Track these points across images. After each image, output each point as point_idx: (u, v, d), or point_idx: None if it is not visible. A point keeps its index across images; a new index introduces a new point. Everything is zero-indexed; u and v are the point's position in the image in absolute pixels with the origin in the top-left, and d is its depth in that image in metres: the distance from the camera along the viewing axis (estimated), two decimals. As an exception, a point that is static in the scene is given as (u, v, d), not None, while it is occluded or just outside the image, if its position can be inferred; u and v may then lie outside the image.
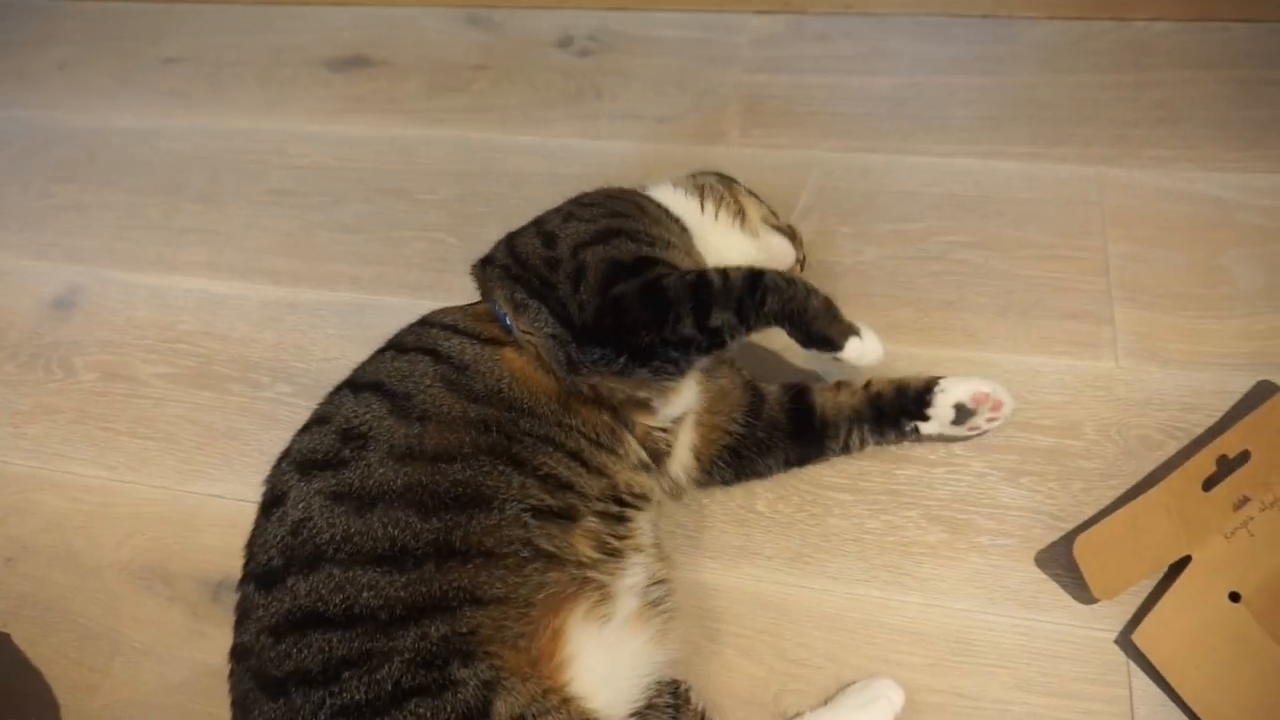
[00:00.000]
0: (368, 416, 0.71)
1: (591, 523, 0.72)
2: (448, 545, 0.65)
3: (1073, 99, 1.20)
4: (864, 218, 1.12)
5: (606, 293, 0.74)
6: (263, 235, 1.25)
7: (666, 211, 0.89)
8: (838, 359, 0.79)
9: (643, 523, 0.78)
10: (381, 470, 0.68)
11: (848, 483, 0.92)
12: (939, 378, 0.89)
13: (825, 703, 0.78)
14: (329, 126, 1.36)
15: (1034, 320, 1.01)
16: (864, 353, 0.79)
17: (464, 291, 0.85)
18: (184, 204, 1.30)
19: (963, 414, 0.88)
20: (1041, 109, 1.19)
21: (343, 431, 0.71)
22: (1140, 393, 0.94)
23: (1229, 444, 0.81)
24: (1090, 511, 0.87)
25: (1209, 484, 0.80)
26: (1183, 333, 0.97)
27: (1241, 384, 0.93)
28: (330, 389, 0.79)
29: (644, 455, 0.80)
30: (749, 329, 0.75)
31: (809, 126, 1.23)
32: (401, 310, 0.88)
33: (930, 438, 0.91)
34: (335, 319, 1.14)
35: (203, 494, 1.01)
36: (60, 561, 0.97)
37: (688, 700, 0.75)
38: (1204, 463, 0.80)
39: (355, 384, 0.77)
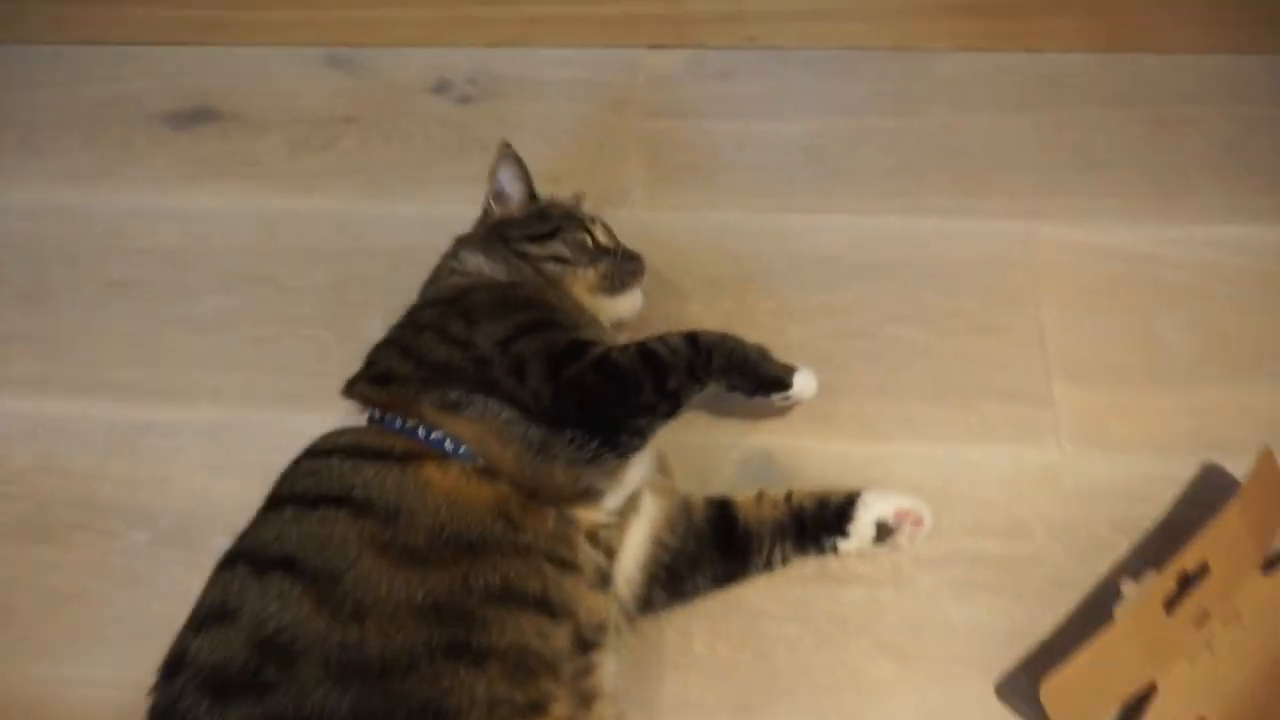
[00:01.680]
0: (288, 617, 0.59)
1: (561, 709, 0.64)
2: None
3: (992, 141, 1.13)
4: (786, 290, 1.03)
5: (558, 377, 0.72)
6: (102, 339, 1.07)
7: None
8: (787, 398, 0.86)
9: (607, 664, 0.71)
10: (320, 694, 0.56)
11: (791, 611, 0.84)
12: (859, 491, 0.85)
13: None
14: (174, 198, 1.17)
15: (972, 404, 0.94)
16: (806, 385, 0.87)
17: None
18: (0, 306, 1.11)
19: (883, 532, 0.84)
20: (961, 153, 1.12)
21: (259, 641, 0.58)
22: (1087, 483, 0.89)
23: (1188, 559, 0.76)
24: (1047, 627, 0.82)
25: (1170, 604, 0.75)
26: (1125, 412, 0.93)
27: (1188, 468, 0.89)
28: (201, 537, 0.67)
29: (599, 560, 0.73)
30: (702, 386, 0.79)
31: (719, 182, 1.13)
32: (273, 428, 0.76)
33: (849, 554, 0.85)
34: (197, 443, 0.99)
35: (48, 680, 0.86)
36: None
37: None
38: (1165, 583, 0.76)
39: (256, 558, 0.63)
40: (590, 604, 0.71)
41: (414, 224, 1.13)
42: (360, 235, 1.12)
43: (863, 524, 0.84)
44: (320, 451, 0.71)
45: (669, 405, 0.76)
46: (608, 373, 0.74)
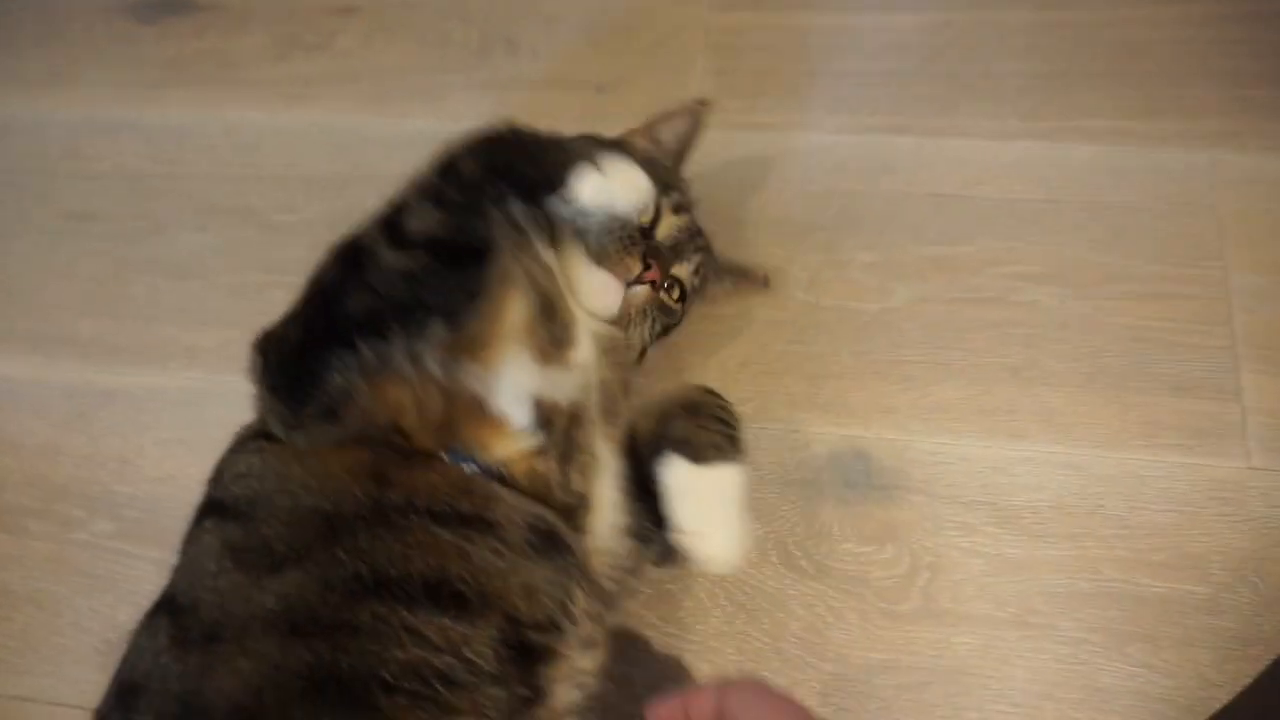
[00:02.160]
0: (146, 658, 0.50)
1: None
2: None
3: (1171, 41, 0.87)
4: (890, 238, 0.81)
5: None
6: (57, 285, 0.90)
7: None
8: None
9: (562, 692, 0.52)
10: None
11: (889, 659, 0.67)
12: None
13: None
14: (139, 109, 0.98)
15: (1132, 396, 0.73)
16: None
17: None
18: (-58, 240, 0.94)
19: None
20: (1127, 59, 0.87)
21: (120, 685, 0.51)
22: (1284, 507, 0.69)
23: None
24: (1223, 697, 0.64)
25: None
26: (1340, 414, 0.71)
27: None
28: (173, 528, 0.55)
29: (535, 512, 0.54)
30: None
31: (806, 94, 0.89)
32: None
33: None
34: (169, 415, 0.83)
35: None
36: None
37: None
38: None
39: (161, 597, 0.54)
40: (529, 582, 0.51)
41: (427, 143, 0.92)
42: (360, 156, 0.93)
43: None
44: (237, 441, 0.58)
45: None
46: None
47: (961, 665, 0.66)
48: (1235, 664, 0.64)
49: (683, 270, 0.67)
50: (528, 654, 0.50)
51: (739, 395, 0.76)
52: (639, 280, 0.63)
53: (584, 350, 0.59)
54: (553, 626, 0.52)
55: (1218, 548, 0.68)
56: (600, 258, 0.61)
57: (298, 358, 0.54)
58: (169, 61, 1.00)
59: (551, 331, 0.57)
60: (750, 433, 0.74)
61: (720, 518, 0.59)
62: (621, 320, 0.63)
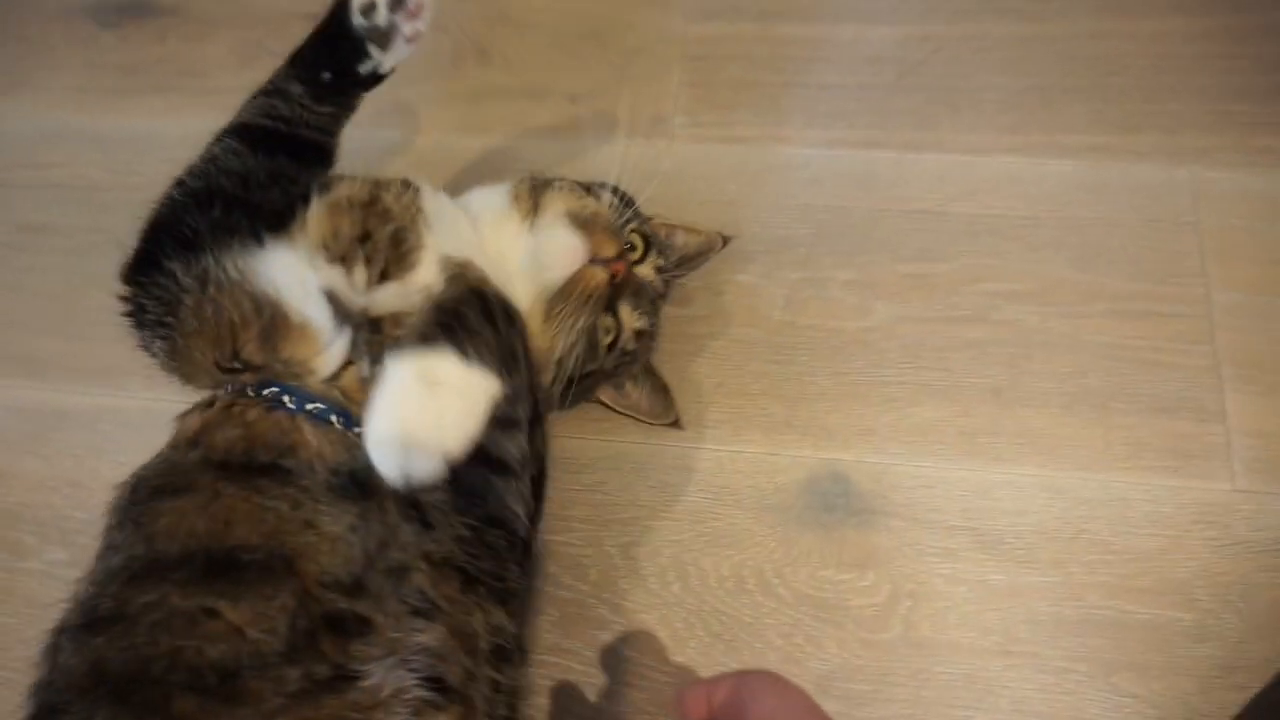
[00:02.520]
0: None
1: None
2: None
3: (1151, 56, 0.86)
4: (868, 255, 0.80)
5: None
6: (11, 300, 0.87)
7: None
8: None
9: (382, 672, 0.45)
10: None
11: (869, 689, 0.65)
12: None
13: None
14: (96, 116, 0.94)
15: (1116, 417, 0.72)
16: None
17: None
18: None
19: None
20: (1107, 74, 0.85)
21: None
22: (1268, 529, 0.68)
23: None
24: (1211, 726, 0.62)
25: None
26: (1325, 435, 0.70)
27: None
28: None
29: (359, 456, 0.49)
30: None
31: (785, 107, 0.87)
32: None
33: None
34: (126, 436, 0.79)
35: (-58, 738, 0.70)
36: None
37: None
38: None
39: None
40: (330, 533, 0.47)
41: (398, 155, 0.89)
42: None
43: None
44: None
45: None
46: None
47: (943, 696, 0.64)
48: (1221, 693, 0.63)
49: (629, 314, 0.65)
50: (332, 626, 0.45)
51: (714, 417, 0.74)
52: (604, 261, 0.61)
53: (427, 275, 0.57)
54: (359, 589, 0.46)
55: (1203, 572, 0.67)
56: (583, 224, 0.61)
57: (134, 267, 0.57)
58: (129, 67, 0.97)
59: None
60: (726, 456, 0.73)
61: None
62: (556, 300, 0.60)
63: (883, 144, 0.84)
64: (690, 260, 0.75)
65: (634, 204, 0.68)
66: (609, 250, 0.61)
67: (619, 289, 0.63)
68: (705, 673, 0.66)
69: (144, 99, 0.95)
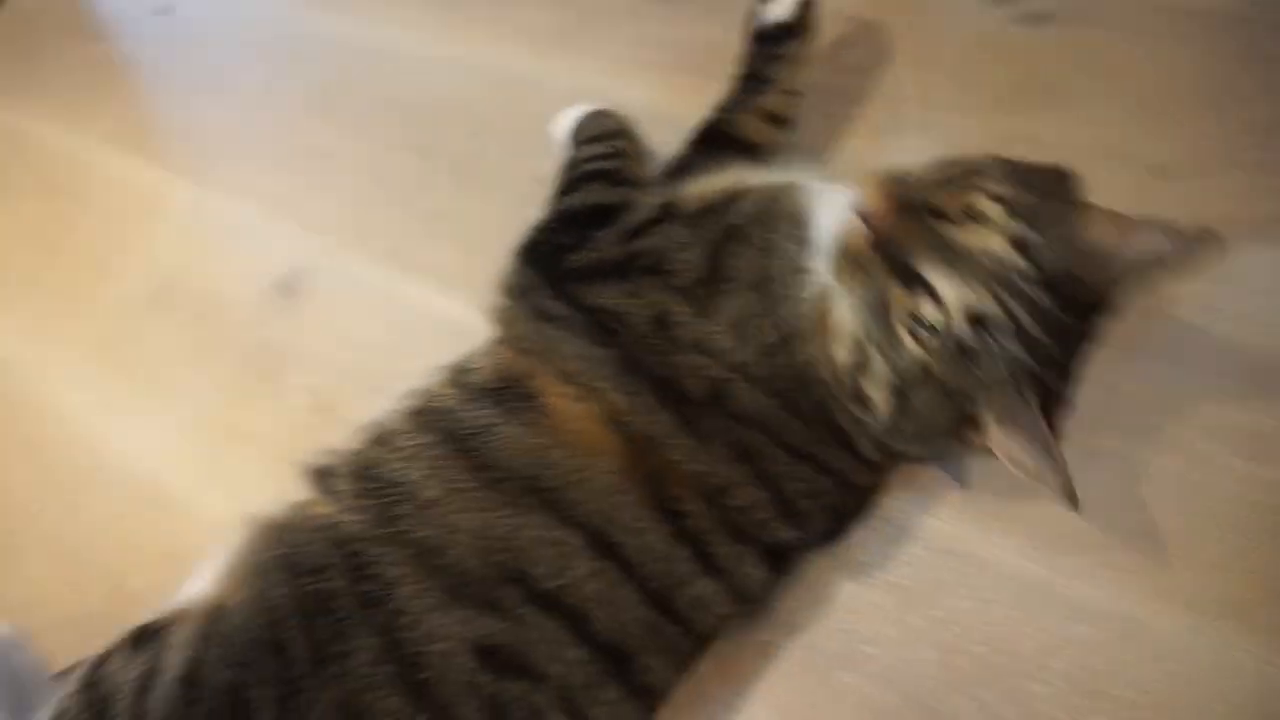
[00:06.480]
0: None
1: None
2: None
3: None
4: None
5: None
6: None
7: None
8: None
9: None
10: None
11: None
12: None
13: None
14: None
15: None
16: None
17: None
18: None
19: None
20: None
21: None
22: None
23: None
24: None
25: None
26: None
27: None
28: None
29: None
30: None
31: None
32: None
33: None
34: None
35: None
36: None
37: None
38: None
39: None
40: None
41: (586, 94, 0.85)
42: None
43: None
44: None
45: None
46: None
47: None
48: None
49: (944, 283, 0.49)
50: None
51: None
52: (861, 214, 0.51)
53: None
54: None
55: None
56: (864, 180, 0.54)
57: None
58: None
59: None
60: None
61: None
62: (837, 268, 0.53)
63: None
64: (1142, 272, 0.53)
65: (1012, 169, 0.53)
66: (874, 200, 0.51)
67: (907, 248, 0.50)
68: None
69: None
